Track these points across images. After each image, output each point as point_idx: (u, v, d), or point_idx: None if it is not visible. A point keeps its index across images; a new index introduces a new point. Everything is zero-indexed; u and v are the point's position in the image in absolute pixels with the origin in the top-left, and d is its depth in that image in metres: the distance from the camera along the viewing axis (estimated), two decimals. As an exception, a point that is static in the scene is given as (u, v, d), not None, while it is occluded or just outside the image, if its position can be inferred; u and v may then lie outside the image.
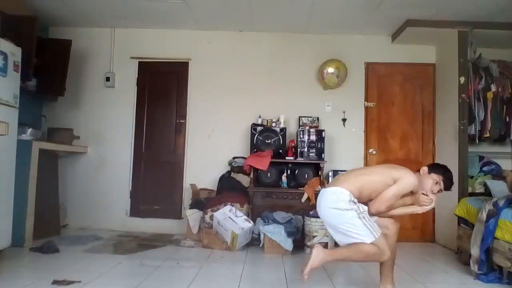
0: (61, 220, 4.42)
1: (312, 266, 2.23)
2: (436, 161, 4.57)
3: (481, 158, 4.35)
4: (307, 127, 4.35)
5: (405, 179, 2.31)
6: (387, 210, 2.35)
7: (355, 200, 2.30)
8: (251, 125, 4.43)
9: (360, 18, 4.25)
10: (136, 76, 4.79)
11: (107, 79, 4.72)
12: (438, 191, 2.43)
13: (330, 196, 2.34)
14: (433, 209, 4.41)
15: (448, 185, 2.45)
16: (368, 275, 3.06)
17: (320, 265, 2.31)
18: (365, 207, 2.33)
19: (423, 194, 2.38)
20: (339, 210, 2.26)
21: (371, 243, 2.20)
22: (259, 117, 4.48)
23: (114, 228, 4.55)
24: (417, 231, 4.56)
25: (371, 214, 2.34)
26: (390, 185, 2.32)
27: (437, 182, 2.41)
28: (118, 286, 2.66)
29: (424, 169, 2.47)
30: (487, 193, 3.81)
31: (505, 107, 4.22)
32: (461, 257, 3.53)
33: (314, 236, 3.75)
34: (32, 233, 3.69)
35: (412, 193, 2.43)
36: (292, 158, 4.29)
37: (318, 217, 3.55)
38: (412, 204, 2.44)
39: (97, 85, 4.78)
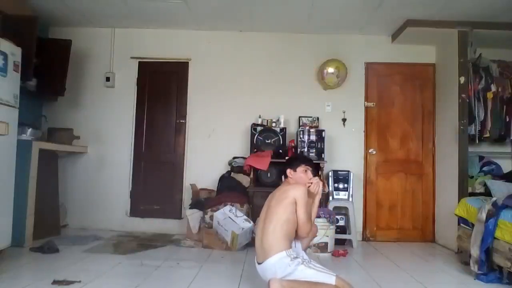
0: (61, 220, 4.42)
1: None
2: (436, 161, 4.58)
3: (481, 158, 4.35)
4: (307, 127, 4.35)
5: (298, 194, 2.36)
6: (311, 222, 2.46)
7: (295, 254, 2.28)
8: (251, 125, 4.43)
9: (360, 18, 4.25)
10: (136, 76, 4.79)
11: (107, 79, 4.73)
12: (312, 174, 2.58)
13: (274, 268, 2.26)
14: (433, 209, 4.52)
15: (309, 163, 2.60)
16: (369, 274, 3.06)
17: None
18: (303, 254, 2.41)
19: (308, 185, 2.50)
20: (290, 274, 2.22)
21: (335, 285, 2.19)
22: (259, 117, 4.48)
23: (114, 228, 4.55)
24: (417, 231, 4.56)
25: (303, 239, 2.47)
26: (292, 207, 2.34)
27: (305, 171, 2.54)
28: (118, 286, 2.66)
29: (288, 172, 2.56)
30: (487, 193, 3.81)
31: (505, 107, 4.22)
32: (461, 257, 3.54)
33: (314, 236, 3.74)
34: (32, 233, 3.68)
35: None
36: (292, 158, 4.29)
37: (318, 217, 3.56)
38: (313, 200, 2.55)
39: (97, 85, 4.77)
